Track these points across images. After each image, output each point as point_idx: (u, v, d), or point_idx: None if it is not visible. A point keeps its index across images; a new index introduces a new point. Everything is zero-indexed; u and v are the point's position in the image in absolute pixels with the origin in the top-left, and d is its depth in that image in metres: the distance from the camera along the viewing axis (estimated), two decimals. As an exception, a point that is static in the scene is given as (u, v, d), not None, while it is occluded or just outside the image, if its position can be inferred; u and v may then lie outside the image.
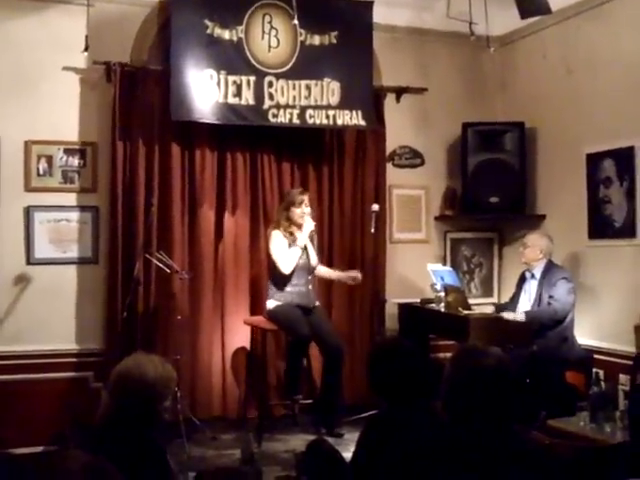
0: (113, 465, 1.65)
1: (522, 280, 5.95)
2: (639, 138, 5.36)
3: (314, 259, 5.69)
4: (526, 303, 5.80)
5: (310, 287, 5.63)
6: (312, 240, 5.68)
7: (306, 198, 5.66)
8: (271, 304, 5.61)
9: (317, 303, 5.76)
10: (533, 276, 5.80)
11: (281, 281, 5.58)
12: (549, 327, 5.47)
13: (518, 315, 5.59)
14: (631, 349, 5.19)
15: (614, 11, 5.57)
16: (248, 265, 6.04)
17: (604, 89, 5.68)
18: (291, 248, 5.55)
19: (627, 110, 5.45)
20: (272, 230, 5.65)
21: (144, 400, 2.69)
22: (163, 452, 2.72)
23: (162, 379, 2.74)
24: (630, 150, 5.43)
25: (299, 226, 5.60)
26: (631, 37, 5.43)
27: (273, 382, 6.03)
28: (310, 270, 5.64)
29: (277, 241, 5.57)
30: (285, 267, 5.53)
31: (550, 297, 5.55)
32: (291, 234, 5.59)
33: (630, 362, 5.17)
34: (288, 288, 5.58)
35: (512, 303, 5.97)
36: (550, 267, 5.72)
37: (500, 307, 6.10)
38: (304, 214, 5.60)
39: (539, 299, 5.64)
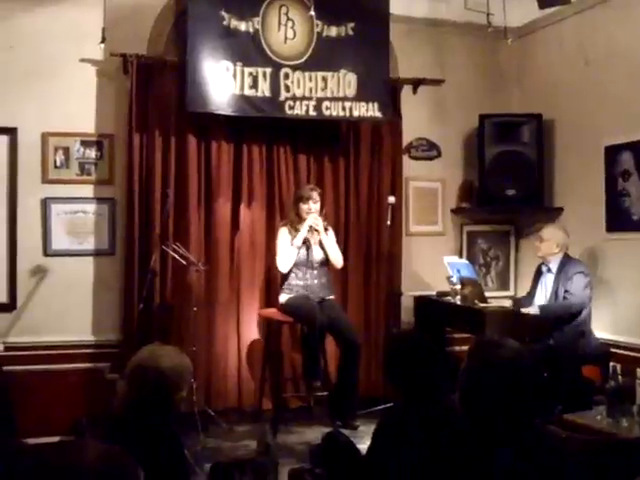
0: (130, 455, 1.65)
1: (538, 274, 5.91)
2: (658, 130, 5.33)
3: (318, 254, 5.67)
4: (542, 297, 5.76)
5: (316, 281, 5.62)
6: (312, 234, 5.63)
7: (315, 194, 5.65)
8: (283, 298, 5.64)
9: (331, 297, 5.75)
10: (549, 270, 5.75)
11: (286, 274, 5.66)
12: (565, 321, 5.43)
13: (532, 309, 5.56)
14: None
15: (632, 1, 5.51)
16: (264, 257, 6.04)
17: (623, 80, 5.63)
18: (290, 247, 5.59)
19: (646, 102, 5.40)
20: (280, 226, 5.73)
21: (160, 390, 2.70)
22: (179, 443, 2.73)
23: (178, 369, 2.76)
24: (649, 142, 5.39)
25: None
26: (651, 28, 5.38)
27: (288, 374, 6.04)
28: (312, 265, 5.63)
29: (280, 238, 5.66)
30: (281, 265, 5.62)
31: (566, 291, 5.51)
32: (296, 230, 5.62)
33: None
34: (293, 281, 5.64)
35: (529, 297, 5.93)
36: (567, 261, 5.67)
37: (518, 301, 6.06)
38: (310, 211, 5.60)
39: (555, 293, 5.60)
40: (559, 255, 5.70)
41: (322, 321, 5.41)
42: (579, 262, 5.69)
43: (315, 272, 5.63)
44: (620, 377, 4.38)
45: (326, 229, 5.74)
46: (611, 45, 5.72)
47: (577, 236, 5.82)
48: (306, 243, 5.62)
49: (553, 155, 6.45)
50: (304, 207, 5.62)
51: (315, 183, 6.02)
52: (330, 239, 5.75)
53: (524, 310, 5.54)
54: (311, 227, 5.59)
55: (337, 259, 5.77)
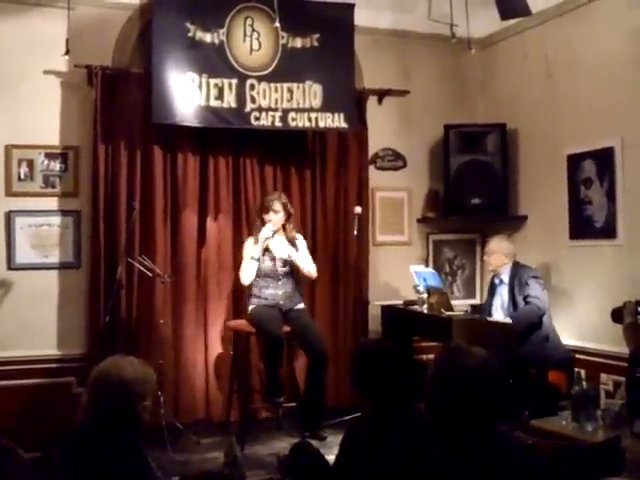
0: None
1: (492, 287, 5.97)
2: (619, 139, 5.40)
3: (283, 265, 5.64)
4: (500, 309, 5.79)
5: (280, 292, 5.60)
6: (271, 244, 5.61)
7: (277, 204, 5.61)
8: (250, 307, 5.64)
9: (300, 306, 5.73)
10: (502, 282, 5.80)
11: (253, 284, 5.64)
12: (535, 326, 5.46)
13: (505, 319, 5.57)
14: (612, 348, 5.18)
15: (593, 13, 5.60)
16: (231, 268, 6.01)
17: (584, 90, 5.72)
18: (249, 260, 5.59)
19: (607, 111, 5.49)
20: (247, 237, 5.75)
21: (122, 399, 2.69)
22: (143, 455, 2.70)
23: (140, 378, 2.75)
24: (610, 151, 5.47)
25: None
26: (610, 38, 5.46)
27: (256, 385, 6.02)
28: (277, 277, 5.63)
29: (245, 250, 5.68)
30: (242, 277, 5.63)
31: (527, 296, 5.54)
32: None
33: (612, 362, 5.19)
34: (259, 291, 5.63)
35: (486, 308, 5.96)
36: (517, 269, 5.73)
37: (477, 309, 6.11)
38: (270, 220, 5.60)
39: (513, 301, 5.63)
40: (509, 265, 5.77)
41: (279, 334, 5.40)
42: (529, 267, 5.76)
43: (280, 283, 5.63)
44: (584, 382, 4.43)
45: (293, 240, 5.73)
46: (573, 56, 5.81)
47: (541, 243, 5.89)
48: (270, 254, 5.62)
49: (517, 164, 6.52)
50: (266, 217, 5.62)
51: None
52: (301, 251, 5.72)
53: (501, 320, 5.55)
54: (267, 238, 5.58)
55: (310, 271, 5.72)
